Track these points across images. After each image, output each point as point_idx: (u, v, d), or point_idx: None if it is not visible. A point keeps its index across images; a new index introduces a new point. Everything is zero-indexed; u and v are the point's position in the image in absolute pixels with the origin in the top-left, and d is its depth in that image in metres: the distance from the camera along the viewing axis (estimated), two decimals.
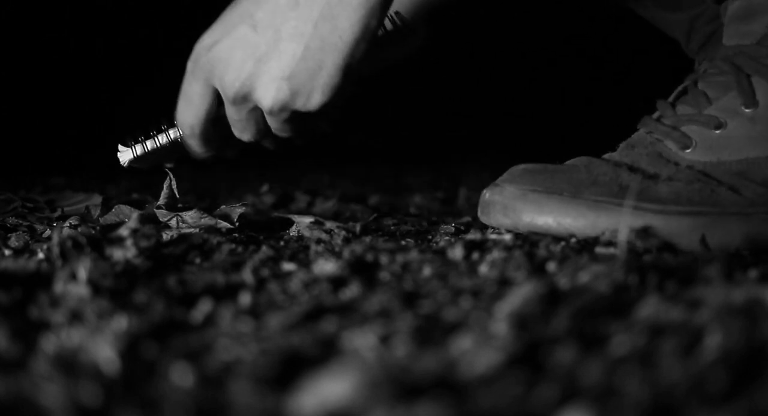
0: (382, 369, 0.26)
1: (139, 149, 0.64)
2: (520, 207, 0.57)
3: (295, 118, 0.58)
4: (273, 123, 0.59)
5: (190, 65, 0.58)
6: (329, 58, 0.54)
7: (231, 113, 0.59)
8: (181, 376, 0.27)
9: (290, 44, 0.54)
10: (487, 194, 0.59)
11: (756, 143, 0.58)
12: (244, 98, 0.57)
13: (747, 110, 0.59)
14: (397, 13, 0.64)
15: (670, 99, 0.64)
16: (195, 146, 0.62)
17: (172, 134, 0.63)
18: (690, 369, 0.27)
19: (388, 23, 0.63)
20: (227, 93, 0.57)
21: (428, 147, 2.46)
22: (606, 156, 0.61)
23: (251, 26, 0.55)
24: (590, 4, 0.79)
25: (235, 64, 0.56)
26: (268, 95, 0.56)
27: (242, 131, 0.60)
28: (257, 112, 0.58)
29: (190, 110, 0.59)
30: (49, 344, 0.31)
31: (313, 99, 0.55)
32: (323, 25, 0.54)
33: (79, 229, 0.57)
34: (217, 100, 0.59)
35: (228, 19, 0.57)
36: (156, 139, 0.64)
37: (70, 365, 0.28)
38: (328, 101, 0.56)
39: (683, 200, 0.56)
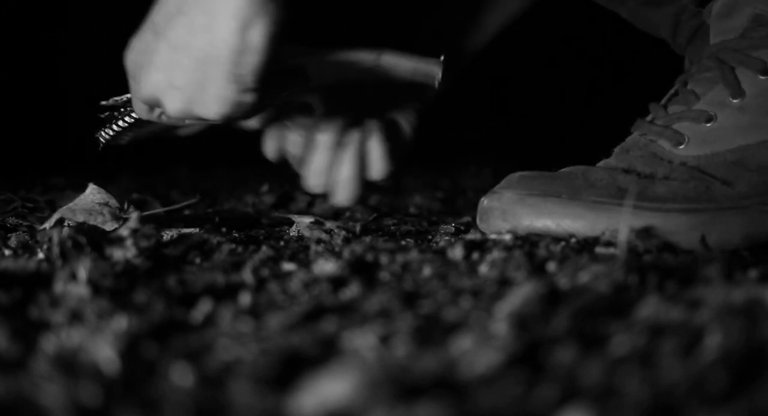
0: (382, 369, 0.26)
1: (108, 133, 0.64)
2: (518, 211, 0.57)
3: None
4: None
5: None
6: (213, 71, 0.51)
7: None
8: (181, 376, 0.27)
9: (179, 54, 0.52)
10: (485, 202, 0.59)
11: (747, 131, 0.59)
12: (156, 104, 0.55)
13: (735, 101, 0.60)
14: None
15: (663, 102, 0.64)
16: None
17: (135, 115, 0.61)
18: (690, 369, 0.27)
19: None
20: (141, 99, 0.55)
21: (428, 147, 2.46)
22: (601, 164, 0.61)
23: (153, 32, 0.53)
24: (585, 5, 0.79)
25: (144, 70, 0.54)
26: (168, 105, 0.53)
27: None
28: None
29: (136, 105, 0.58)
30: (49, 344, 0.31)
31: (211, 109, 0.53)
32: (203, 37, 0.51)
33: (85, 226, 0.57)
34: None
35: (146, 19, 0.54)
36: (121, 121, 0.62)
37: (70, 365, 0.28)
38: (230, 113, 0.53)
39: (680, 197, 0.56)
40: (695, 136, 0.60)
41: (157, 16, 0.52)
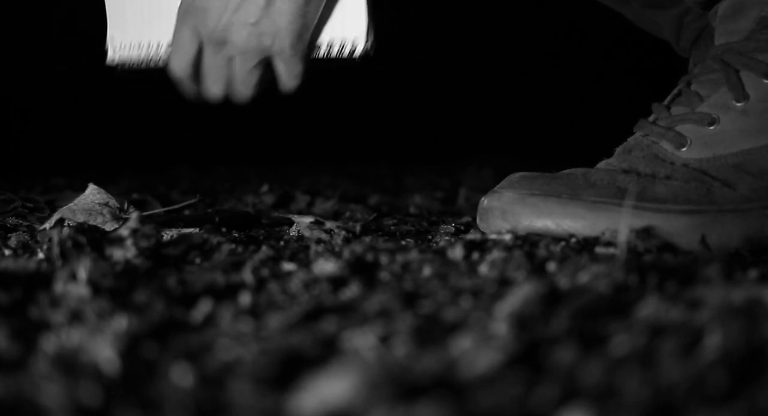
0: (382, 369, 0.26)
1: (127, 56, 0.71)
2: (518, 211, 0.57)
3: (261, 65, 0.67)
4: (243, 68, 0.67)
5: (179, 13, 0.66)
6: (287, 6, 0.63)
7: (209, 57, 0.67)
8: (181, 376, 0.27)
9: None
10: (485, 201, 0.59)
11: (749, 135, 0.59)
12: (221, 42, 0.65)
13: (738, 104, 0.60)
14: None
15: (665, 102, 0.64)
16: (183, 85, 0.69)
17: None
18: (690, 369, 0.27)
19: None
20: (209, 37, 0.65)
21: (428, 147, 2.46)
22: (602, 164, 0.61)
23: None
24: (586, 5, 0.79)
25: (214, 11, 0.64)
26: (240, 38, 0.65)
27: (214, 79, 0.68)
28: (230, 59, 0.67)
29: (180, 53, 0.67)
30: (49, 344, 0.31)
31: (280, 40, 0.65)
32: None
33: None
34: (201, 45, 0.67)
35: None
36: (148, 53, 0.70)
37: (70, 365, 0.28)
38: (293, 44, 0.65)
39: (681, 198, 0.56)
40: (698, 139, 0.60)
41: None
